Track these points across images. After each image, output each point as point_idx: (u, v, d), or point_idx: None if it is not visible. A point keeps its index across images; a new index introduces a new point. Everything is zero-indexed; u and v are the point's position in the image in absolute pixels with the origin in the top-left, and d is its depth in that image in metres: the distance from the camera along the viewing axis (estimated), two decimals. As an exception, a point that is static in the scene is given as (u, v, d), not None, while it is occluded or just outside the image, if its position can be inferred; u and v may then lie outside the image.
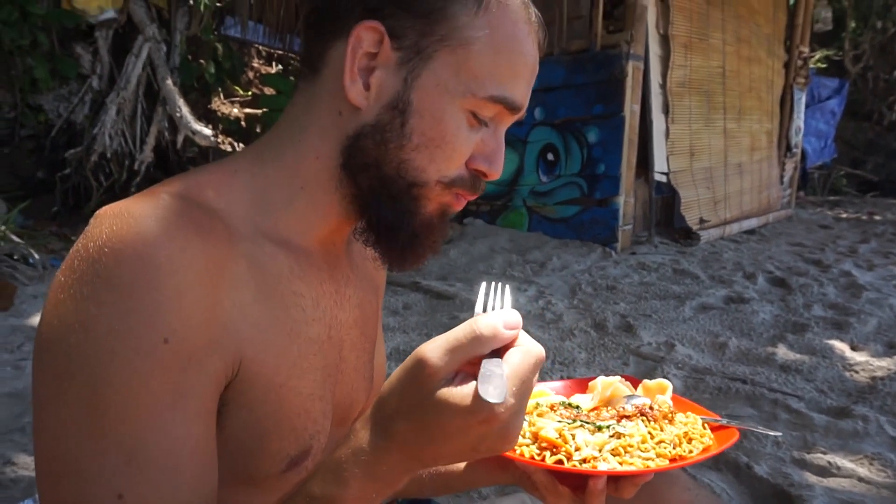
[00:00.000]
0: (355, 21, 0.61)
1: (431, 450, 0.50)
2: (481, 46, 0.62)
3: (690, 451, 0.68)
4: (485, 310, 0.65)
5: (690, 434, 0.71)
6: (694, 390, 2.32)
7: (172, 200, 0.57)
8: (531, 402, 0.80)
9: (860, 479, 1.69)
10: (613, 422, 0.71)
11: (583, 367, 2.49)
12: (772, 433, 0.85)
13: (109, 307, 0.51)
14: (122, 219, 0.53)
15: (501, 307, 0.66)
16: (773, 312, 3.32)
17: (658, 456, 0.66)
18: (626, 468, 0.64)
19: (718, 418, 0.77)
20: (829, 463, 1.76)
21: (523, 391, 0.49)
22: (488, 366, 0.49)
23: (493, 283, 0.76)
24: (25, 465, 1.65)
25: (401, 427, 0.50)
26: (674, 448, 0.68)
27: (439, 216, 0.68)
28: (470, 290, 3.52)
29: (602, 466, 0.63)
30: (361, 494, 0.52)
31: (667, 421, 0.73)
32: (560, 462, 0.65)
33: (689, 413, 0.77)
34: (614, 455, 0.66)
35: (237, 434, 0.59)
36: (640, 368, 2.54)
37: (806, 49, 7.65)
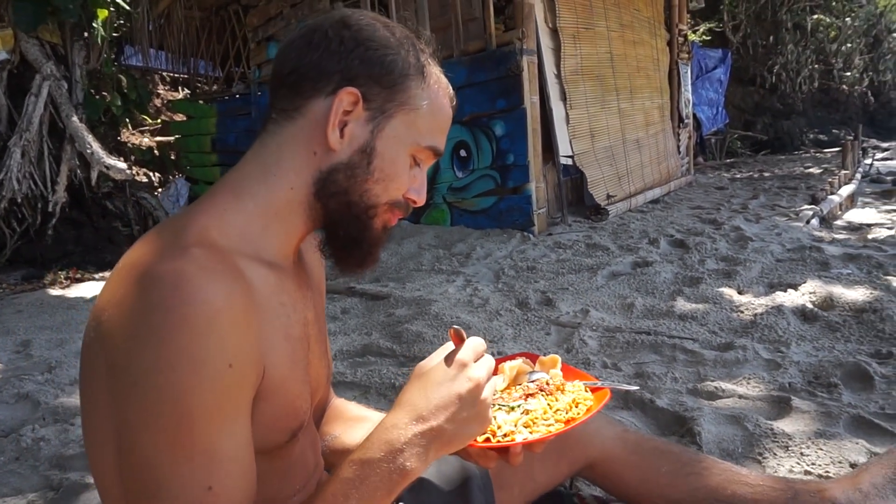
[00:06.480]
0: (336, 86, 0.83)
1: (425, 399, 0.77)
2: (425, 110, 0.86)
3: (579, 414, 0.95)
4: None
5: (577, 399, 0.98)
6: (607, 347, 2.63)
7: (203, 254, 0.72)
8: None
9: (740, 397, 2.03)
10: (522, 401, 0.97)
11: (510, 341, 2.77)
12: (629, 388, 1.14)
13: (187, 349, 0.67)
14: (183, 280, 0.68)
15: None
16: (673, 271, 3.70)
17: (557, 422, 0.93)
18: (534, 436, 0.90)
19: (595, 381, 1.04)
20: (716, 388, 2.09)
21: (480, 356, 0.83)
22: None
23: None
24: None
25: (407, 394, 0.80)
26: (566, 413, 0.94)
27: (383, 231, 0.90)
28: (402, 288, 3.74)
29: (518, 438, 0.89)
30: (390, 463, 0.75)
31: (560, 391, 1.00)
32: (487, 440, 0.90)
33: (575, 382, 1.03)
34: (525, 427, 0.91)
35: (258, 419, 0.77)
36: (560, 335, 2.84)
37: (685, 27, 8.27)
